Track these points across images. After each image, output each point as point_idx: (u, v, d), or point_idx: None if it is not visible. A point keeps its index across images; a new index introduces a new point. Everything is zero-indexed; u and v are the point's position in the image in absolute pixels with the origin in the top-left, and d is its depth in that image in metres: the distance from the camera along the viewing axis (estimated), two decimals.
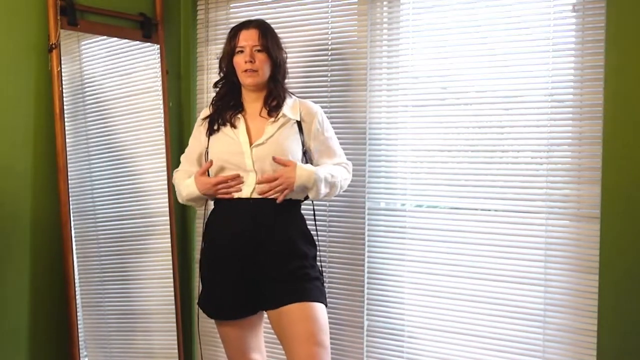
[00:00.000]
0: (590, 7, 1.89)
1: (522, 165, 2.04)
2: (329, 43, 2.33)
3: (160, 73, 2.55)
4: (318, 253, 2.02)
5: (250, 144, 1.92)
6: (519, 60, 2.01)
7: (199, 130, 2.06)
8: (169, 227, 2.55)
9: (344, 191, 2.06)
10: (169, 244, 2.55)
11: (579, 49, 1.92)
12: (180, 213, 2.70)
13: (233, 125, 1.96)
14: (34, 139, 2.20)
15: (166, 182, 2.55)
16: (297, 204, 1.98)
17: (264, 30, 1.96)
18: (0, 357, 2.13)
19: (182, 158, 2.12)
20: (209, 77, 2.67)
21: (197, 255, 2.75)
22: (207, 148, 2.00)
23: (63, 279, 2.25)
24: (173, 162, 2.62)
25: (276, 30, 2.00)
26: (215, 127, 1.98)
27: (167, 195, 2.55)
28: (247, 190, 1.92)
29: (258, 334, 2.06)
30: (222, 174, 1.94)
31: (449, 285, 2.16)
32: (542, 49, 1.97)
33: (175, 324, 2.56)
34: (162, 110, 2.55)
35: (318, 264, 2.00)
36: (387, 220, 2.28)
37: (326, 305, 1.93)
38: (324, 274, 2.03)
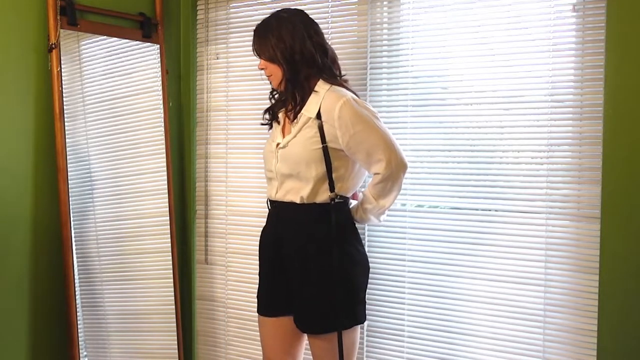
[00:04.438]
0: (590, 7, 1.89)
1: (522, 165, 2.04)
2: (329, 43, 2.33)
3: (160, 73, 2.55)
4: None
5: (278, 144, 1.92)
6: (519, 60, 2.01)
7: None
8: (168, 227, 2.55)
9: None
10: (169, 244, 2.55)
11: (579, 49, 1.92)
12: (180, 213, 2.70)
13: (277, 122, 1.98)
14: (34, 139, 2.20)
15: (166, 182, 2.55)
16: (323, 206, 1.86)
17: (257, 36, 1.89)
18: (1, 357, 2.13)
19: None
20: (209, 77, 2.67)
21: (197, 255, 2.75)
22: None
23: (63, 279, 2.25)
24: (173, 162, 2.62)
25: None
26: (269, 122, 2.01)
27: (167, 196, 2.55)
28: (273, 192, 1.94)
29: (293, 340, 2.01)
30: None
31: (449, 285, 2.16)
32: (542, 49, 1.97)
33: (175, 324, 2.56)
34: (162, 110, 2.55)
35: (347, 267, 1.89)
36: (387, 220, 2.27)
37: (347, 326, 1.88)
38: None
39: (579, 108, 1.93)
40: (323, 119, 1.82)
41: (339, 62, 2.32)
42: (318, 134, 1.83)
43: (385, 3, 2.25)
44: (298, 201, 1.87)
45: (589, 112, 1.91)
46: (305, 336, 2.00)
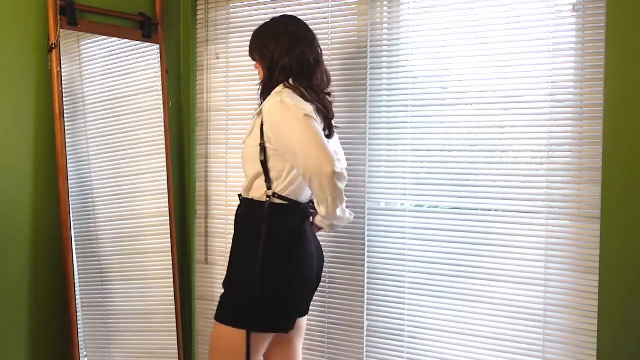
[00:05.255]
0: (590, 7, 1.89)
1: (522, 165, 2.04)
2: (329, 43, 2.33)
3: (160, 73, 2.55)
4: None
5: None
6: (519, 60, 2.01)
7: None
8: (168, 227, 2.55)
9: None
10: (169, 244, 2.55)
11: (579, 49, 1.92)
12: (180, 213, 2.70)
13: None
14: (34, 139, 2.20)
15: (166, 182, 2.55)
16: (253, 202, 1.89)
17: (252, 38, 1.99)
18: (1, 357, 2.13)
19: None
20: (209, 77, 2.67)
21: (197, 255, 2.75)
22: None
23: (63, 279, 2.25)
24: (173, 162, 2.62)
25: None
26: None
27: (167, 196, 2.55)
28: None
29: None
30: None
31: (449, 285, 2.16)
32: (542, 49, 1.97)
33: (175, 324, 2.56)
34: (162, 110, 2.55)
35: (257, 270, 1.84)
36: (387, 220, 2.28)
37: (235, 325, 1.86)
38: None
39: (579, 108, 1.93)
40: (263, 115, 1.86)
41: (338, 62, 2.33)
42: (259, 132, 1.86)
43: (385, 3, 2.25)
44: (243, 195, 1.94)
45: (589, 112, 1.91)
46: (272, 336, 1.99)
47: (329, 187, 1.76)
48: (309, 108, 1.82)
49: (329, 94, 1.97)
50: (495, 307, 2.08)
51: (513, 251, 2.04)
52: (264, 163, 1.86)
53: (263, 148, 1.85)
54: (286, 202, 1.88)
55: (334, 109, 1.99)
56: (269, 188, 1.87)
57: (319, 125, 1.82)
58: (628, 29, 1.79)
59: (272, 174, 1.86)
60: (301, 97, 1.85)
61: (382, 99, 2.26)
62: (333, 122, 1.97)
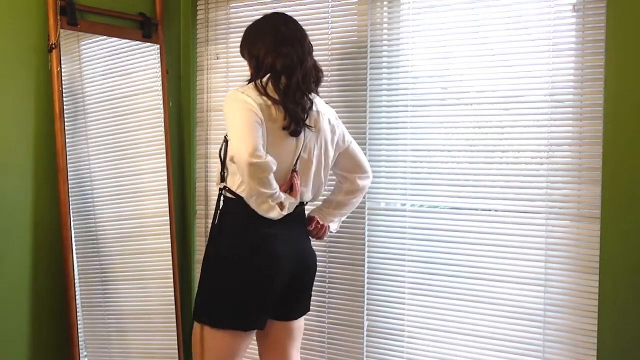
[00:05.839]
0: (590, 7, 1.89)
1: (522, 165, 2.04)
2: (329, 43, 2.33)
3: (160, 73, 2.55)
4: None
5: None
6: (519, 60, 2.01)
7: None
8: (168, 227, 2.55)
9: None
10: (169, 244, 2.55)
11: (579, 49, 1.92)
12: (180, 213, 2.70)
13: None
14: (34, 139, 2.20)
15: (166, 182, 2.55)
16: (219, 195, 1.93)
17: (242, 35, 1.99)
18: (1, 357, 2.13)
19: None
20: (209, 77, 2.67)
21: (197, 255, 2.75)
22: None
23: (63, 279, 2.25)
24: (173, 162, 2.62)
25: None
26: None
27: (167, 196, 2.55)
28: None
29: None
30: None
31: (449, 285, 2.16)
32: (542, 49, 1.97)
33: (175, 324, 2.56)
34: (162, 110, 2.55)
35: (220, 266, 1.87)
36: (387, 220, 2.28)
37: (195, 318, 1.90)
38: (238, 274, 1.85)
39: (579, 108, 1.93)
40: None
41: (338, 62, 2.32)
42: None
43: (385, 3, 2.25)
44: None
45: (589, 112, 1.91)
46: (253, 334, 1.98)
47: (245, 173, 1.74)
48: (255, 101, 1.79)
49: (309, 92, 1.90)
50: (495, 307, 2.08)
51: (513, 251, 2.04)
52: (221, 157, 1.90)
53: (225, 141, 1.90)
54: (236, 198, 1.86)
55: (334, 108, 1.98)
56: (222, 181, 1.89)
57: (257, 119, 1.77)
58: (628, 29, 1.79)
59: (231, 168, 1.87)
60: (263, 94, 1.82)
61: (382, 99, 2.26)
62: (322, 122, 1.93)
